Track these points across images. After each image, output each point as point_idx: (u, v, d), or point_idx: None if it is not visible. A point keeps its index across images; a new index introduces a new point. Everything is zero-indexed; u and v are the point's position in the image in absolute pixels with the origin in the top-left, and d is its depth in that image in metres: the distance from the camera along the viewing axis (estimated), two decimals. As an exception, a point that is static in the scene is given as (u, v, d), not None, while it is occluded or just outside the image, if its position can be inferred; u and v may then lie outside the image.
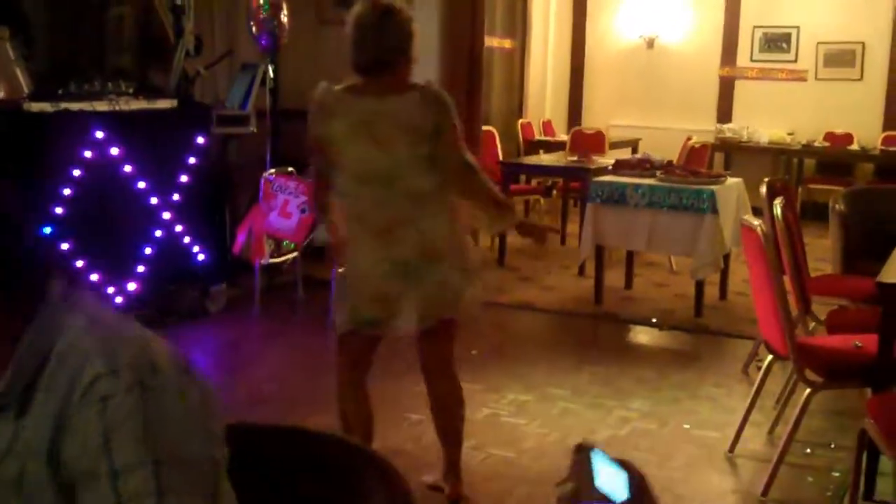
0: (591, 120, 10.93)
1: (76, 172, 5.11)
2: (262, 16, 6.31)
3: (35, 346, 1.37)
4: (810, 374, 3.70)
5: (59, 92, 5.38)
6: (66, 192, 5.08)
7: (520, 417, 4.57)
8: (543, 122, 10.70)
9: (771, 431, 4.36)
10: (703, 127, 10.17)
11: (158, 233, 5.69)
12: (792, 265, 4.25)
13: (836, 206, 5.62)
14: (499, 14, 10.26)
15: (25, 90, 5.79)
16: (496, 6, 9.92)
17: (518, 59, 10.74)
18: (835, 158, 10.00)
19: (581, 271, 7.28)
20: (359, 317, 3.34)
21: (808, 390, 3.68)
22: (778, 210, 4.33)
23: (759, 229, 3.60)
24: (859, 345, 3.73)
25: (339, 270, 3.48)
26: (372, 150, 3.21)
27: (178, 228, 5.80)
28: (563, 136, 10.17)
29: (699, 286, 6.33)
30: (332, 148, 3.26)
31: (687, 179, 6.35)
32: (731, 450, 4.15)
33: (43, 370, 1.36)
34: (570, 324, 6.35)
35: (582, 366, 5.33)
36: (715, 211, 6.04)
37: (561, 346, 5.83)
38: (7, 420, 1.36)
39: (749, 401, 4.21)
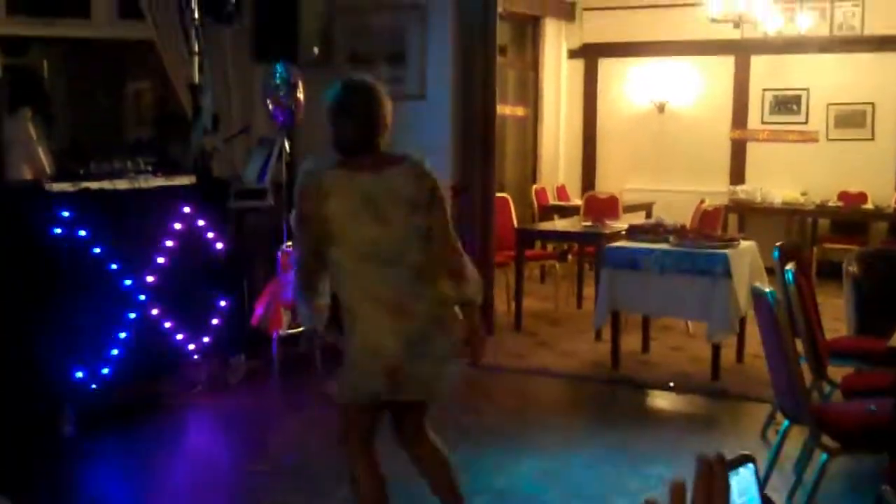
0: (605, 184, 11.02)
1: (95, 250, 5.20)
2: (278, 92, 6.44)
3: None
4: (826, 440, 3.72)
5: (81, 172, 5.49)
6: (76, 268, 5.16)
7: (538, 483, 4.57)
8: (557, 188, 10.80)
9: (791, 496, 4.34)
10: (715, 189, 10.23)
11: (177, 306, 5.76)
12: (805, 330, 4.27)
13: (849, 268, 5.66)
14: (511, 83, 10.43)
15: (48, 170, 5.94)
16: (508, 75, 10.09)
17: (531, 125, 10.88)
18: (849, 218, 10.04)
19: (598, 336, 7.30)
20: (366, 390, 3.35)
21: (824, 456, 3.69)
22: (790, 275, 4.37)
23: (769, 297, 3.64)
24: (874, 409, 3.75)
25: (336, 344, 3.46)
26: (375, 228, 3.25)
27: (196, 301, 5.88)
28: (577, 201, 10.25)
29: (715, 349, 6.34)
30: (329, 226, 3.25)
31: (700, 244, 6.40)
32: (751, 516, 4.14)
33: None
34: (587, 389, 6.36)
35: (600, 431, 5.34)
36: (728, 275, 6.07)
37: (578, 411, 5.85)
38: None
39: (766, 466, 4.21)
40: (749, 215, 10.36)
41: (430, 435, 3.60)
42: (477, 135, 7.42)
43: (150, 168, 5.79)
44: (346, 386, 3.42)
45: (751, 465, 1.05)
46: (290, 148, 6.73)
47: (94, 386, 5.28)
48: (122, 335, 5.40)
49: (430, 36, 7.35)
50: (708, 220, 8.34)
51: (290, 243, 6.23)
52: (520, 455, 4.95)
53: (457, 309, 3.41)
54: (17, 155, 5.62)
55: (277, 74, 6.48)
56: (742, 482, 1.06)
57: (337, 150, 3.40)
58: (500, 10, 7.73)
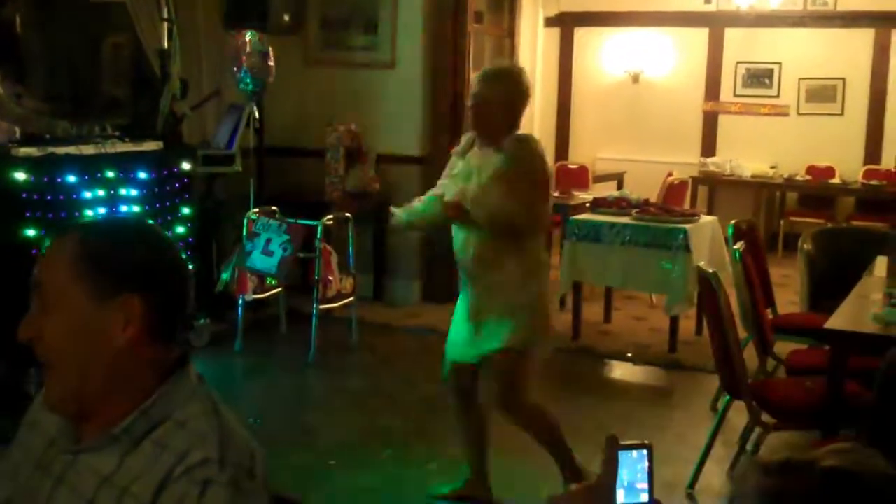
0: (578, 153, 11.10)
1: (61, 214, 5.25)
2: (248, 59, 6.48)
3: (162, 403, 1.55)
4: (765, 416, 3.85)
5: (47, 136, 5.53)
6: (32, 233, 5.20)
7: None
8: (531, 156, 10.86)
9: (732, 468, 4.48)
10: (686, 160, 10.33)
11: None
12: (749, 308, 4.39)
13: (804, 246, 5.79)
14: (487, 50, 10.45)
15: (17, 134, 5.97)
16: (484, 42, 10.12)
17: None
18: (816, 192, 10.16)
19: (562, 304, 7.41)
20: (548, 339, 3.97)
21: (760, 431, 3.82)
22: (737, 254, 4.48)
23: (710, 278, 3.75)
24: (810, 386, 3.87)
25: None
26: None
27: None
28: (549, 170, 10.32)
29: (673, 322, 6.46)
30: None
31: (661, 218, 6.50)
32: (692, 486, 4.28)
33: (158, 426, 1.53)
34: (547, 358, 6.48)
35: (557, 400, 5.45)
36: (688, 249, 6.18)
37: (536, 380, 5.96)
38: (114, 453, 1.52)
39: (709, 437, 4.34)
40: (718, 187, 10.47)
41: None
42: (447, 103, 7.47)
43: (117, 133, 5.83)
44: (538, 332, 3.76)
45: (644, 451, 1.25)
46: (259, 115, 6.78)
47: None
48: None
49: (402, 3, 7.37)
50: (674, 193, 8.45)
51: (256, 209, 6.30)
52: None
53: None
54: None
55: (248, 41, 6.52)
56: (633, 462, 1.25)
57: (515, 128, 3.73)
58: (476, -24, 7.76)
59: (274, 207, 6.33)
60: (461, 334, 3.84)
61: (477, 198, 3.59)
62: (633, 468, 1.31)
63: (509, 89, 3.70)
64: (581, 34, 11.29)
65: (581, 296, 6.80)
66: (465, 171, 3.73)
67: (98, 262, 1.53)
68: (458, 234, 3.77)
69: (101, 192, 5.50)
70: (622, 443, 1.30)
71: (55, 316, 1.53)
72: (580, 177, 9.40)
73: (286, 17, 6.90)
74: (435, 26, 7.41)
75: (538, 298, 3.77)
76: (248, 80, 6.52)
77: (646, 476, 1.31)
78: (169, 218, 5.94)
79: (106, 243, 1.57)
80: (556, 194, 8.29)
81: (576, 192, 8.23)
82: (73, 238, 1.57)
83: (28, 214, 5.11)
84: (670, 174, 8.94)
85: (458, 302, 3.92)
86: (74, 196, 5.33)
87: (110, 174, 5.54)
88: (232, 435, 1.55)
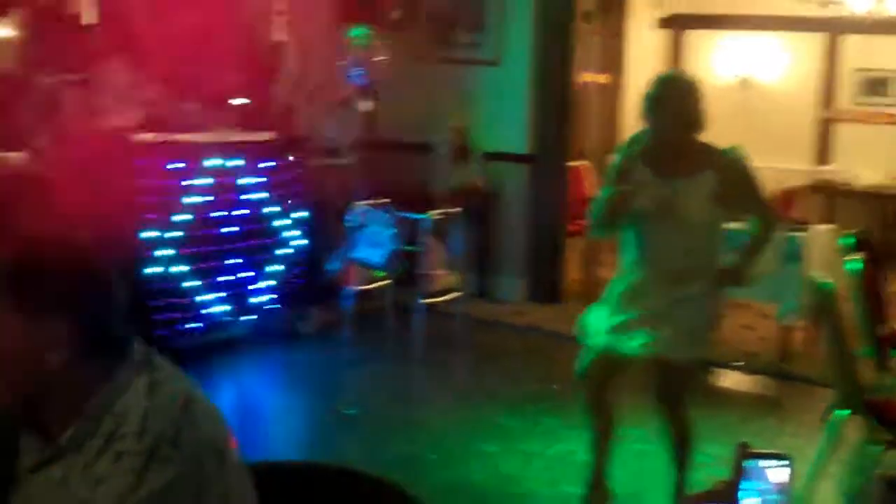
0: (685, 157, 10.92)
1: (187, 200, 5.39)
2: (358, 54, 6.56)
3: (102, 403, 1.53)
4: (880, 432, 3.72)
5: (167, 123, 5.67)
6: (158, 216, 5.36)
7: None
8: (636, 158, 10.72)
9: (845, 484, 4.35)
10: (798, 168, 10.08)
11: (254, 257, 5.93)
12: (866, 322, 4.25)
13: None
14: (595, 50, 10.36)
15: (138, 119, 6.14)
16: (592, 42, 10.03)
17: (614, 94, 10.81)
18: (936, 205, 9.81)
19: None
20: None
21: (877, 447, 3.70)
22: (853, 265, 4.34)
23: (823, 288, 3.64)
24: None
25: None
26: None
27: (273, 254, 6.05)
28: (655, 173, 10.18)
29: (784, 332, 6.31)
30: None
31: (775, 224, 6.33)
32: (803, 500, 4.17)
33: (100, 426, 1.51)
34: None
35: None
36: (801, 258, 6.03)
37: (641, 385, 5.88)
38: (66, 464, 1.51)
39: (820, 452, 4.21)
40: (833, 198, 10.18)
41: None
42: (553, 103, 7.42)
43: (232, 122, 5.94)
44: (712, 346, 3.95)
45: (780, 461, 1.20)
46: (370, 109, 6.84)
47: (167, 330, 5.49)
48: (199, 282, 5.59)
49: (509, 1, 7.35)
50: (785, 201, 8.24)
51: (365, 202, 6.35)
52: (581, 425, 5.01)
53: None
54: (109, 102, 5.79)
55: (359, 36, 6.59)
56: (765, 472, 1.19)
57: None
58: (586, -24, 7.71)
59: (383, 200, 6.38)
60: (627, 326, 3.74)
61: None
62: (764, 477, 1.26)
63: (679, 94, 3.66)
64: (691, 37, 11.10)
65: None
66: (661, 185, 3.65)
67: (28, 279, 1.49)
68: (660, 241, 3.69)
69: (213, 181, 5.61)
70: (754, 451, 1.25)
71: None
72: (687, 181, 9.23)
73: (396, 14, 6.95)
74: (543, 25, 7.37)
75: (719, 313, 3.93)
76: (360, 76, 6.58)
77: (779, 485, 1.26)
78: (280, 208, 6.04)
79: (38, 260, 1.51)
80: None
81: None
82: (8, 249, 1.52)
83: (146, 199, 5.25)
84: (782, 181, 8.73)
85: (617, 291, 3.81)
86: (188, 182, 5.45)
87: (226, 163, 5.65)
88: (163, 408, 1.52)
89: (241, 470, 1.62)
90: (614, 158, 3.83)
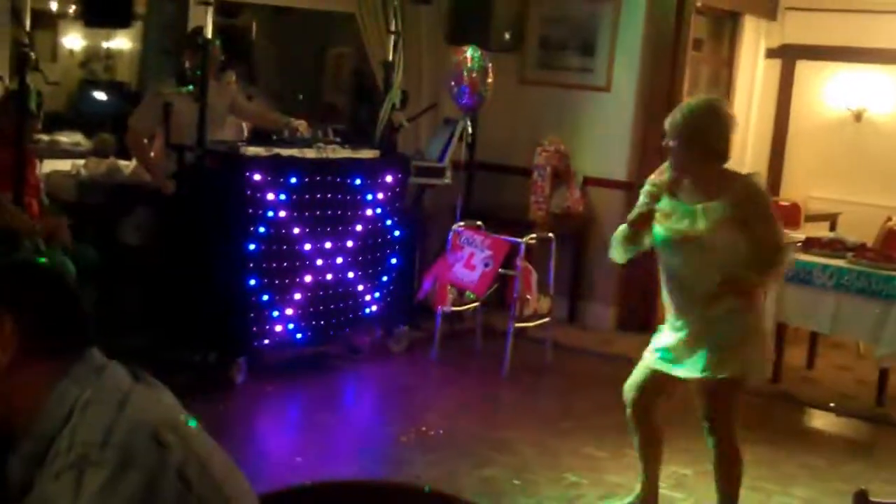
0: (790, 189, 10.69)
1: (280, 213, 5.50)
2: (468, 74, 6.63)
3: (43, 431, 1.50)
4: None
5: (274, 138, 5.81)
6: (262, 230, 5.47)
7: (677, 491, 4.61)
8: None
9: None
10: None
11: (350, 274, 6.02)
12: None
13: None
14: (704, 78, 10.25)
15: (245, 133, 6.32)
16: (701, 70, 9.93)
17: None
18: None
19: (762, 346, 7.17)
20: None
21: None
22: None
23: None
24: None
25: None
26: None
27: (368, 271, 6.13)
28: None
29: (883, 374, 6.14)
30: None
31: (879, 264, 6.19)
32: (893, 553, 4.06)
33: (55, 439, 1.49)
34: (743, 400, 6.27)
35: (748, 445, 5.28)
36: (902, 299, 5.87)
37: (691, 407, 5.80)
38: (38, 480, 1.48)
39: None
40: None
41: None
42: (659, 130, 7.36)
43: (338, 139, 6.06)
44: (754, 363, 3.88)
45: None
46: (472, 130, 6.90)
47: (266, 341, 5.62)
48: (298, 296, 5.70)
49: (622, 27, 7.34)
50: (893, 239, 8.02)
51: (462, 223, 6.40)
52: (663, 459, 4.96)
53: None
54: (218, 117, 5.98)
55: (470, 57, 6.66)
56: None
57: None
58: (698, 3, 7.64)
59: (479, 222, 6.42)
60: (672, 349, 3.91)
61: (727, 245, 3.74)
62: None
63: (700, 123, 3.75)
64: (803, 67, 10.88)
65: (784, 338, 6.55)
66: (682, 212, 3.81)
67: None
68: (687, 265, 3.83)
69: (318, 196, 5.73)
70: (875, 500, 1.24)
71: None
72: (791, 215, 9.04)
73: (507, 35, 7.01)
74: (653, 52, 7.34)
75: (755, 329, 3.88)
76: (466, 95, 6.65)
77: None
78: (378, 225, 6.13)
79: None
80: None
81: (787, 231, 7.93)
82: None
83: (253, 211, 5.39)
84: (889, 219, 8.50)
85: (668, 318, 4.00)
86: (295, 197, 5.57)
87: (329, 178, 5.76)
88: (92, 419, 1.48)
89: (202, 443, 1.57)
90: (645, 185, 3.96)
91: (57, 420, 1.50)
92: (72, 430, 1.47)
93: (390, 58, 6.50)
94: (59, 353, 1.56)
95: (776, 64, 10.93)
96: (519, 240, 6.10)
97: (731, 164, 3.93)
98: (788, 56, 10.89)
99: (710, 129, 3.75)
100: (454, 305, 6.40)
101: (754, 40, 10.72)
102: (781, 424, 5.84)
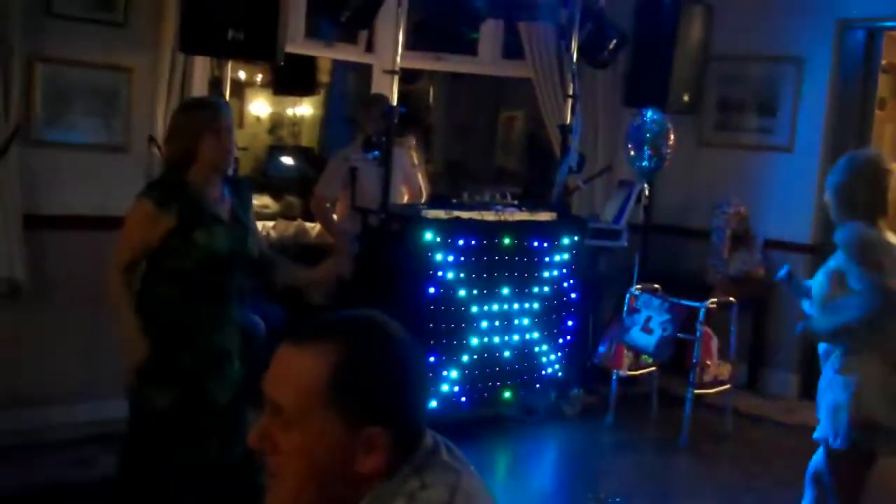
0: None
1: (453, 276, 5.59)
2: (646, 137, 6.61)
3: (401, 488, 1.45)
4: None
5: (453, 201, 5.92)
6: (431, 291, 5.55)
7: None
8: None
9: None
10: None
11: (528, 335, 6.03)
12: None
13: None
14: (887, 137, 9.87)
15: (424, 195, 6.46)
16: (884, 130, 9.57)
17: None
18: None
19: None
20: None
21: None
22: None
23: None
24: None
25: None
26: None
27: (545, 333, 6.13)
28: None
29: None
30: None
31: None
32: None
33: None
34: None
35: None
36: None
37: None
38: None
39: None
40: None
41: None
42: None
43: (515, 202, 6.12)
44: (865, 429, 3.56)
45: None
46: (649, 192, 6.84)
47: (435, 402, 5.65)
48: (468, 357, 5.74)
49: (804, 87, 7.16)
50: None
51: (639, 286, 6.34)
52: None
53: None
54: (399, 179, 6.15)
55: (648, 120, 6.64)
56: None
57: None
58: (882, 62, 7.40)
59: (656, 285, 6.34)
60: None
61: None
62: None
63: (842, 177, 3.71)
64: None
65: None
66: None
67: (352, 389, 1.44)
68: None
69: (496, 258, 5.80)
70: None
71: (298, 436, 1.43)
72: None
73: (685, 98, 6.94)
74: (838, 111, 7.13)
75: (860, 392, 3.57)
76: (646, 158, 6.62)
77: None
78: (555, 287, 6.13)
79: (363, 368, 1.45)
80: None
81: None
82: (328, 354, 1.45)
83: (433, 273, 5.49)
84: None
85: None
86: (473, 259, 5.65)
87: (507, 241, 5.82)
88: None
89: None
90: None
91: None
92: None
93: (567, 121, 6.54)
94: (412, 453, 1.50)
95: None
96: (698, 304, 5.98)
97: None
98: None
99: (853, 181, 3.70)
100: (630, 369, 6.31)
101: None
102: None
